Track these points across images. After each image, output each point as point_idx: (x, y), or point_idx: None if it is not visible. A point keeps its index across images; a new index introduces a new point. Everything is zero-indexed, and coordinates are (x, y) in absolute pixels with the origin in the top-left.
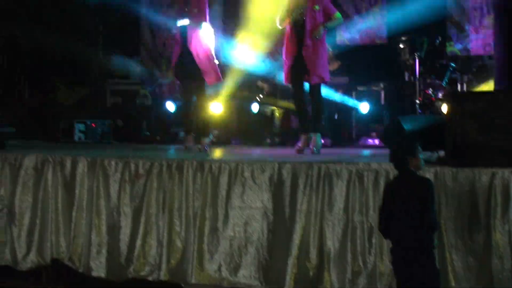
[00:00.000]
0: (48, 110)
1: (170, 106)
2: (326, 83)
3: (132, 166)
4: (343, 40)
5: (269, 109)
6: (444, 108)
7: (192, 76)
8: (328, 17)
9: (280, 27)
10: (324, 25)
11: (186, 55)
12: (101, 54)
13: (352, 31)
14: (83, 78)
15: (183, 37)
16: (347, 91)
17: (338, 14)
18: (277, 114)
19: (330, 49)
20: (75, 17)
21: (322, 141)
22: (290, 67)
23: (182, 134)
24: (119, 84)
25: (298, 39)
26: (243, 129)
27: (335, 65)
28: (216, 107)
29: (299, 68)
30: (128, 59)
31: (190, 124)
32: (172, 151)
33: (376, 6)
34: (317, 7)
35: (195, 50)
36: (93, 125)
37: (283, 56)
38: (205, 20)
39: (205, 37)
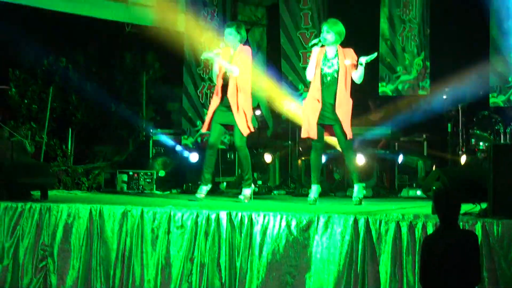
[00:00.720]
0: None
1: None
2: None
3: (174, 217)
4: (385, 91)
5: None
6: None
7: (226, 125)
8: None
9: (308, 79)
10: (360, 62)
11: (224, 103)
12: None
13: (395, 82)
14: (130, 134)
15: (224, 86)
16: (389, 142)
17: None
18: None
19: (372, 100)
20: (123, 74)
21: (365, 191)
22: (315, 121)
23: (224, 185)
24: (161, 134)
25: (324, 93)
26: (285, 179)
27: (377, 116)
28: (266, 157)
29: (324, 121)
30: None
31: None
32: (214, 202)
33: (419, 58)
34: (347, 61)
35: (232, 99)
36: (135, 175)
37: (304, 109)
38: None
39: (242, 86)
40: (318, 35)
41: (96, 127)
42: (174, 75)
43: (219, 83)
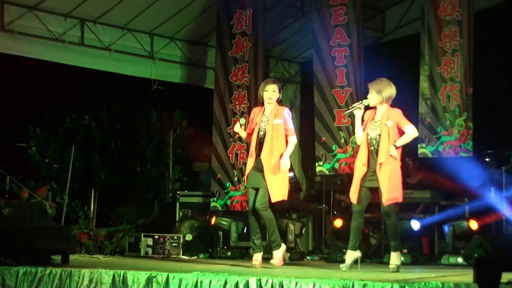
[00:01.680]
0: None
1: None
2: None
3: (201, 284)
4: (425, 153)
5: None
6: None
7: (259, 186)
8: (401, 131)
9: (358, 143)
10: (394, 143)
11: (258, 165)
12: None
13: (435, 143)
14: (156, 195)
15: (258, 145)
16: (429, 206)
17: (410, 128)
18: None
19: (411, 162)
20: (149, 132)
21: (402, 258)
22: (358, 185)
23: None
24: (189, 197)
25: (371, 156)
26: (318, 243)
27: (416, 178)
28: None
29: (371, 185)
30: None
31: (256, 238)
32: (243, 268)
33: (460, 118)
34: (389, 123)
35: (265, 161)
36: (161, 239)
37: (354, 172)
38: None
39: (278, 148)
40: (354, 93)
41: (120, 188)
42: (202, 134)
43: (253, 142)
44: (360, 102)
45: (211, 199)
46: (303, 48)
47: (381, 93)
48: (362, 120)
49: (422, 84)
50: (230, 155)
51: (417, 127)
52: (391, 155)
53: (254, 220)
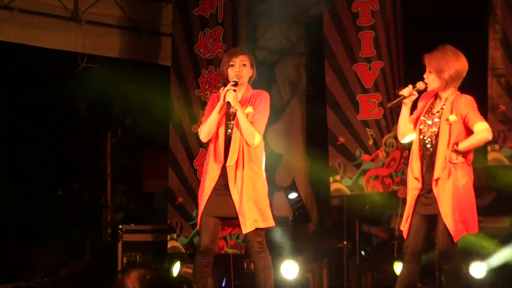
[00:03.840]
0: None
1: None
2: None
3: None
4: (498, 159)
5: None
6: None
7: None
8: (470, 130)
9: (402, 142)
10: (455, 147)
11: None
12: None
13: None
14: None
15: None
16: (507, 241)
17: (481, 126)
18: None
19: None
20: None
21: None
22: (410, 211)
23: None
24: (137, 233)
25: (427, 165)
26: None
27: (486, 199)
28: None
29: (424, 211)
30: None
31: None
32: None
33: None
34: (452, 117)
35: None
36: None
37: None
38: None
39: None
40: (388, 69)
41: (33, 221)
42: (156, 136)
43: (220, 146)
44: (413, 87)
45: (169, 236)
46: (309, 2)
47: (443, 73)
48: (412, 109)
49: (492, 53)
50: (198, 168)
51: (485, 117)
52: (454, 163)
53: (204, 263)
